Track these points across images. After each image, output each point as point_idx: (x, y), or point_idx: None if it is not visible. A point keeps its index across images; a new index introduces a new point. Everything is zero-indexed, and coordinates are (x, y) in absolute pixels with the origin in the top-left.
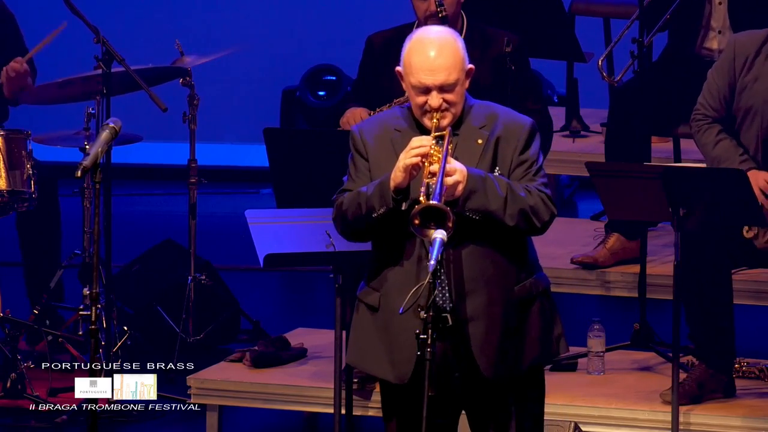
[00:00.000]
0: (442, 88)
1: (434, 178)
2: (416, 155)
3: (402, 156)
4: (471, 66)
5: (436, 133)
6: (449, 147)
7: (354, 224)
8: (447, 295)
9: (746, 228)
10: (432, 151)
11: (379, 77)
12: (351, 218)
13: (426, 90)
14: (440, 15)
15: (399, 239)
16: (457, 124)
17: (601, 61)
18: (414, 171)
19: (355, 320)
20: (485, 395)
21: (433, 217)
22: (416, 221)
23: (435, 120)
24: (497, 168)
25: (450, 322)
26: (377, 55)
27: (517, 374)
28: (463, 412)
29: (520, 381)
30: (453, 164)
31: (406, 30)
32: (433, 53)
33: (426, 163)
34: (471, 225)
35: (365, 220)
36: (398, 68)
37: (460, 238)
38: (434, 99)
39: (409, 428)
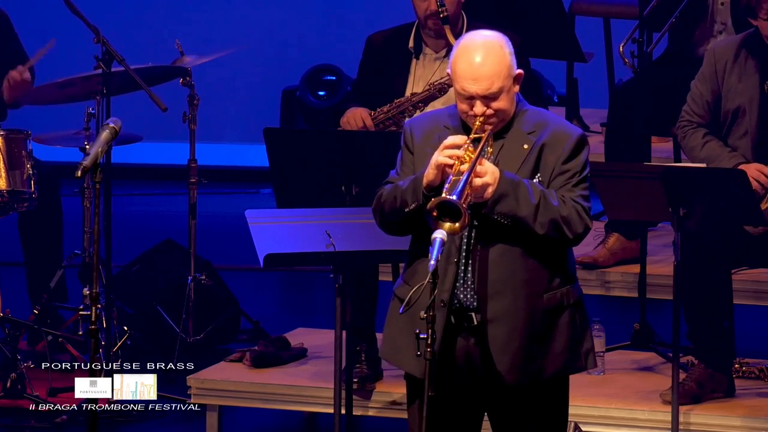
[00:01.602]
0: (486, 97)
1: (461, 176)
2: (449, 156)
3: (435, 153)
4: (520, 71)
5: (474, 135)
6: (488, 149)
7: (389, 216)
8: (472, 293)
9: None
10: (465, 152)
11: (379, 77)
12: (387, 210)
13: (470, 97)
14: (441, 15)
15: (431, 235)
16: (505, 128)
17: (623, 46)
18: (447, 169)
19: (389, 314)
20: (506, 399)
21: (450, 213)
22: (434, 213)
23: (478, 123)
24: (538, 174)
25: (475, 322)
26: (377, 55)
27: (538, 382)
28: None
29: (543, 389)
30: (485, 166)
31: (405, 30)
32: (478, 60)
33: (457, 163)
34: (506, 227)
35: (399, 214)
36: (447, 70)
37: (493, 238)
38: (478, 107)
39: (430, 423)
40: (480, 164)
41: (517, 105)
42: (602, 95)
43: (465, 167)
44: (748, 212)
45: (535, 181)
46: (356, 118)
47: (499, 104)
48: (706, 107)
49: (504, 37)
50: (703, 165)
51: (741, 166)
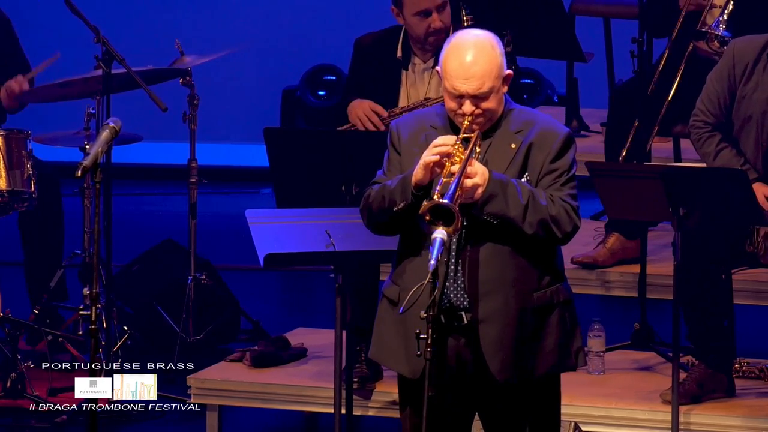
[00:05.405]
0: (476, 96)
1: (452, 178)
2: (437, 153)
3: (424, 153)
4: (509, 72)
5: (463, 135)
6: (476, 149)
7: (378, 216)
8: (462, 293)
9: (747, 242)
10: (455, 152)
11: (370, 82)
12: (375, 210)
13: (460, 96)
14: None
15: (420, 235)
16: (493, 128)
17: (622, 158)
18: (437, 168)
19: (377, 315)
20: (497, 398)
21: (443, 216)
22: (426, 217)
23: (466, 122)
24: (526, 174)
25: (465, 321)
26: (366, 58)
27: (529, 381)
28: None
29: (534, 388)
30: (475, 167)
31: (393, 35)
32: (469, 59)
33: (448, 163)
34: (494, 227)
35: (387, 214)
36: (437, 68)
37: (482, 237)
38: (467, 106)
39: (422, 423)
40: (470, 165)
41: (505, 104)
42: (602, 95)
43: (455, 168)
44: (748, 212)
45: (523, 180)
46: (365, 110)
47: (488, 104)
48: (722, 107)
49: (495, 37)
50: (704, 165)
51: (753, 186)
